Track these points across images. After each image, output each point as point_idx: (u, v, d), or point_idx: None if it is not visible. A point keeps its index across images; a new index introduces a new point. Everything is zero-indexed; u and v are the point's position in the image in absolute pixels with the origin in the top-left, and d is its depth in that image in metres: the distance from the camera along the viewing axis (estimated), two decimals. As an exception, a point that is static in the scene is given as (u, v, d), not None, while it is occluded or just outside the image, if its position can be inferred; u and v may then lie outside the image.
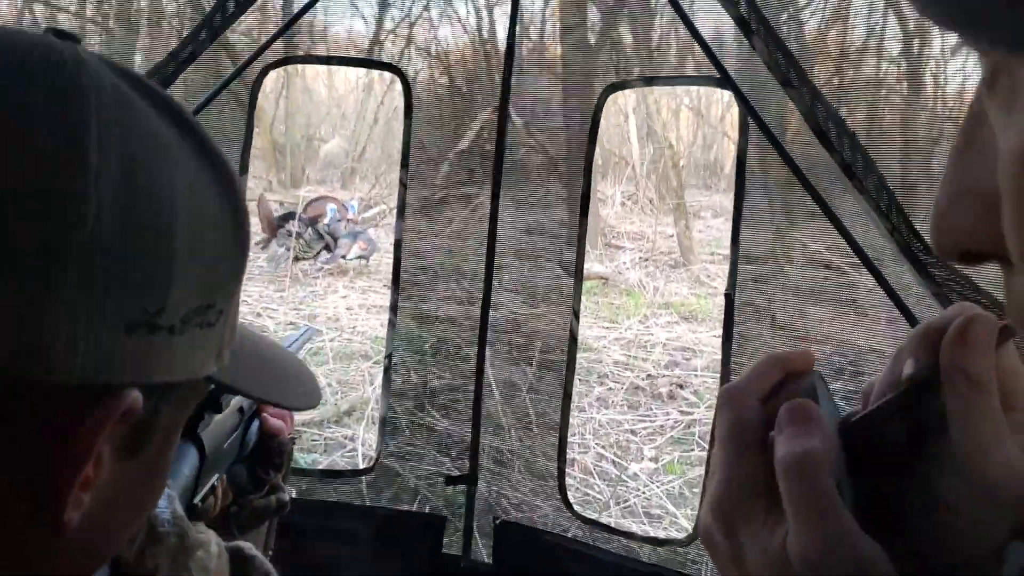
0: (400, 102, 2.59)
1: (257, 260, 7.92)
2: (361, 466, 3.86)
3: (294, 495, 1.14)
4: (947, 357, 0.36)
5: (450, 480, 2.42)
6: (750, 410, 0.41)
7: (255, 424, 1.03)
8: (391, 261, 2.64)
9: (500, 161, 2.39)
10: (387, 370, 2.58)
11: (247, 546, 0.81)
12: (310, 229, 7.89)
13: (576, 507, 2.47)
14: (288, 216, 8.12)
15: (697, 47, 1.91)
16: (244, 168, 2.33)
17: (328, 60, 2.46)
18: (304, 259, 7.75)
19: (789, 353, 0.44)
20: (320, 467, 3.79)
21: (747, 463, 0.40)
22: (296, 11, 2.13)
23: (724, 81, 1.88)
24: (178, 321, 0.44)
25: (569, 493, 2.52)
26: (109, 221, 0.40)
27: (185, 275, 0.44)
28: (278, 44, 2.18)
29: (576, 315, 2.43)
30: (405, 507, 2.74)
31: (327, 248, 7.86)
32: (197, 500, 0.88)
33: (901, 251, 1.53)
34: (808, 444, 0.36)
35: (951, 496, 0.36)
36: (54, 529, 0.43)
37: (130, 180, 0.42)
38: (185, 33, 2.28)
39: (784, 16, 1.73)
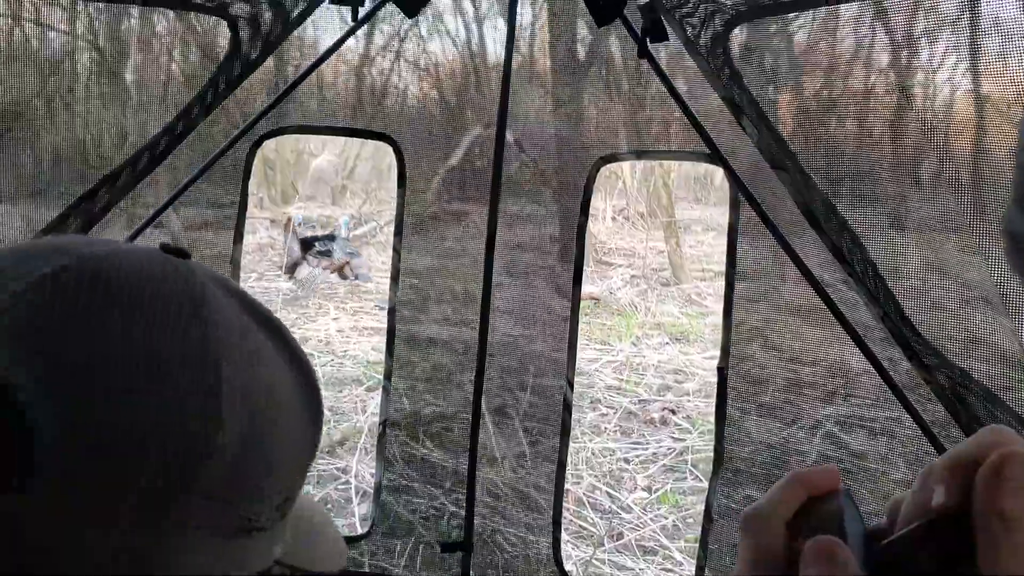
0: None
1: (248, 281, 7.84)
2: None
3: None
4: (981, 494, 0.36)
5: (445, 547, 2.43)
6: (774, 536, 0.42)
7: None
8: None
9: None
10: (381, 438, 2.50)
11: None
12: (334, 244, 7.84)
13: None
14: (316, 237, 8.07)
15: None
16: (240, 236, 2.30)
17: (319, 130, 2.45)
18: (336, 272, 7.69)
19: (812, 472, 0.44)
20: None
21: None
22: (283, 88, 2.15)
23: (715, 157, 1.84)
24: (266, 520, 0.48)
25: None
26: (232, 452, 0.44)
27: (279, 482, 0.48)
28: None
29: (570, 384, 2.41)
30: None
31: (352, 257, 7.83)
32: None
33: (892, 336, 1.52)
34: None
35: None
36: None
37: (250, 410, 0.45)
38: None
39: (771, 92, 1.69)
